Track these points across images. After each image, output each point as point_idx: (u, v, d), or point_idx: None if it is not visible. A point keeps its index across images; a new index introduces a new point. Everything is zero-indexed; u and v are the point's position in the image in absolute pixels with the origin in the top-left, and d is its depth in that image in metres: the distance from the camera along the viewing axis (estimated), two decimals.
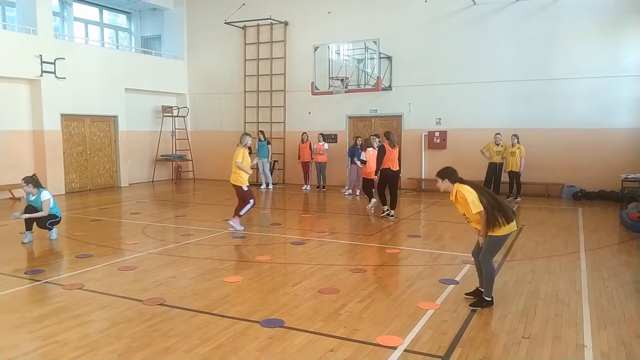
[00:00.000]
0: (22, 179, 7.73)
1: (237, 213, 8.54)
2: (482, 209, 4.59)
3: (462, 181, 4.78)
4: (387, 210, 9.85)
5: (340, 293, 5.22)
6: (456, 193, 4.74)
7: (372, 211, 10.39)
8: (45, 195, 7.76)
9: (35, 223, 7.80)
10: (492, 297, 4.84)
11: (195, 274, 5.98)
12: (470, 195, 4.62)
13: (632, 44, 12.04)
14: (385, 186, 9.89)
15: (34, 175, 7.86)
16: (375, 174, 10.11)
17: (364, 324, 4.38)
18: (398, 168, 10.01)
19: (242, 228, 8.56)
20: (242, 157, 8.31)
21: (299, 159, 14.70)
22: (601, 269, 6.13)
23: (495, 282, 4.94)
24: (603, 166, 12.22)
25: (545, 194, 12.65)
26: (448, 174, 4.84)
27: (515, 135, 12.02)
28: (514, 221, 4.73)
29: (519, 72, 13.02)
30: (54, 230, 8.00)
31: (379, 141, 12.80)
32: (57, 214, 8.01)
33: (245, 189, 8.46)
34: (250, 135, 8.87)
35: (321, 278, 5.79)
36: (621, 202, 10.44)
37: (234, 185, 8.53)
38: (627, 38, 12.08)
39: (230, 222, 8.55)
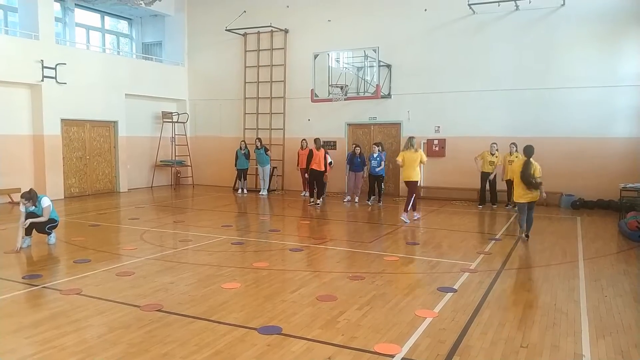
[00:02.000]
0: (21, 197, 7.72)
1: (406, 209, 10.23)
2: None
3: (528, 158, 8.21)
4: (314, 200, 12.82)
5: (338, 300, 5.21)
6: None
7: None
8: (46, 201, 7.82)
9: (34, 229, 7.80)
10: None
11: (193, 280, 5.98)
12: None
13: (630, 54, 12.12)
14: (313, 182, 12.75)
15: (31, 190, 7.79)
16: (306, 172, 13.03)
17: (362, 332, 4.38)
18: (323, 168, 12.54)
19: (409, 221, 10.18)
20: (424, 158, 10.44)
21: (297, 165, 14.68)
22: (600, 278, 6.13)
23: (494, 290, 5.56)
24: (601, 175, 12.25)
25: (544, 203, 12.61)
26: (527, 150, 8.29)
27: (513, 143, 11.89)
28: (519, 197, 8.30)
29: (518, 81, 13.08)
30: (53, 234, 8.00)
31: (379, 149, 12.85)
32: (56, 218, 8.04)
33: (418, 184, 10.62)
34: (415, 137, 10.75)
35: (319, 285, 5.79)
36: (619, 212, 10.45)
37: (410, 182, 10.27)
38: (625, 48, 12.16)
39: (402, 217, 10.18)
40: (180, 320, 4.63)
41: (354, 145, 13.56)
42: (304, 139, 14.51)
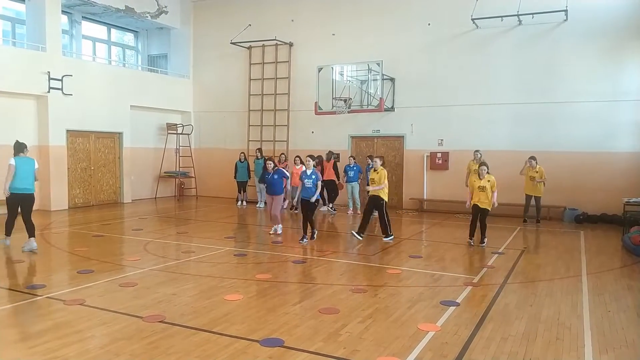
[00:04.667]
0: None
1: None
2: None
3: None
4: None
5: (340, 313, 5.20)
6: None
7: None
8: (10, 160, 7.84)
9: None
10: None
11: (196, 292, 5.99)
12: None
13: (633, 69, 12.17)
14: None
15: (16, 141, 8.08)
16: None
17: (364, 345, 4.37)
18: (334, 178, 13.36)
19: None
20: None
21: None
22: (603, 293, 6.10)
23: (497, 304, 5.49)
24: (605, 189, 12.23)
25: (547, 217, 12.63)
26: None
27: (483, 164, 9.21)
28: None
29: (521, 95, 13.14)
30: (30, 241, 7.96)
31: (315, 163, 10.34)
32: (15, 189, 7.75)
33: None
34: (479, 151, 11.83)
35: (321, 298, 5.79)
36: (623, 226, 10.41)
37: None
38: (628, 63, 12.22)
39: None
40: (183, 332, 4.63)
41: (267, 158, 10.38)
42: (298, 156, 13.27)
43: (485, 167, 8.93)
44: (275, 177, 9.50)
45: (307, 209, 9.19)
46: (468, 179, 11.60)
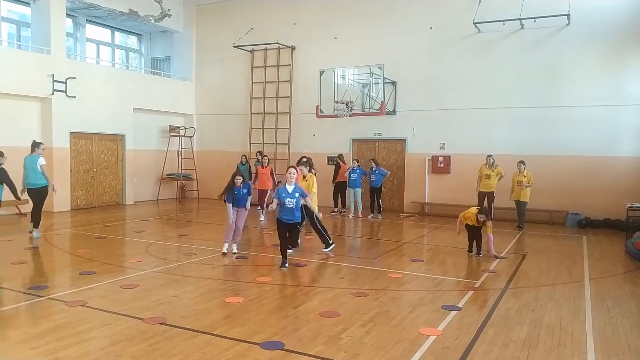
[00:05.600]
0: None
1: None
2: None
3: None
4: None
5: (341, 317, 5.19)
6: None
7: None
8: None
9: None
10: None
11: (197, 294, 5.98)
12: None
13: (635, 73, 12.15)
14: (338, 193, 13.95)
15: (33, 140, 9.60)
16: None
17: (365, 349, 4.36)
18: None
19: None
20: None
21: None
22: (606, 299, 6.08)
23: (498, 309, 5.47)
24: (608, 194, 12.19)
25: (550, 221, 12.60)
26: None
27: (483, 212, 8.36)
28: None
29: (523, 99, 13.13)
30: (34, 230, 9.40)
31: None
32: (24, 184, 9.41)
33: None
34: (492, 155, 11.84)
35: (322, 301, 5.78)
36: (626, 231, 10.38)
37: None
38: (630, 67, 12.20)
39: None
40: (183, 334, 4.63)
41: (234, 174, 8.44)
42: (266, 155, 13.55)
43: (483, 216, 8.17)
44: (244, 191, 8.44)
45: (291, 232, 7.65)
46: (480, 183, 11.76)
